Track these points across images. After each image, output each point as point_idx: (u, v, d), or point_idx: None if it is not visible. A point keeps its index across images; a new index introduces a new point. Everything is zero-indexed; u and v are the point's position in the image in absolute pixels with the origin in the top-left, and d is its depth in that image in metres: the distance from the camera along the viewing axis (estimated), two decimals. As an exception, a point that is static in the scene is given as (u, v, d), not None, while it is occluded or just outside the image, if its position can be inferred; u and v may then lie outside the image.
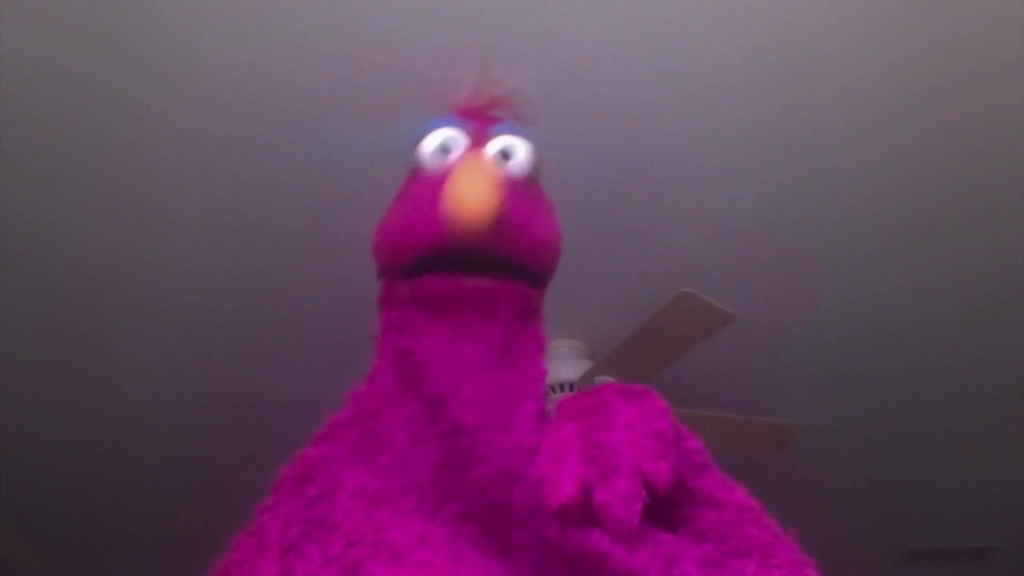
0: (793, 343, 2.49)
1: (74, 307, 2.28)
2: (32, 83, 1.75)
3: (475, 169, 0.83)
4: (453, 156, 0.87)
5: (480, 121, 0.92)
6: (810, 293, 2.34)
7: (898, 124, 1.91)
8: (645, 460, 0.80)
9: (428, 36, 1.69)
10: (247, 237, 2.14)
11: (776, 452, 2.35)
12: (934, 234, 2.16)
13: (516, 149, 0.89)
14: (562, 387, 2.23)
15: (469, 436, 0.80)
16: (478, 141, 0.89)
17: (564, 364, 2.30)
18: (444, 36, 1.68)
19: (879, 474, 3.01)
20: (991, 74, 1.80)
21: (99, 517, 3.04)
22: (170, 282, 2.24)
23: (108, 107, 1.81)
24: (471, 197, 0.79)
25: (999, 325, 2.42)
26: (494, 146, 0.88)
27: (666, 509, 0.84)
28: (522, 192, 0.87)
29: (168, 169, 1.96)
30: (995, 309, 2.36)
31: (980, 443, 2.86)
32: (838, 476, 3.01)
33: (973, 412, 2.73)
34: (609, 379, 2.12)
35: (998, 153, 1.96)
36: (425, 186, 0.86)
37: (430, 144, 0.88)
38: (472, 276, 0.83)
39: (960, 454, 2.91)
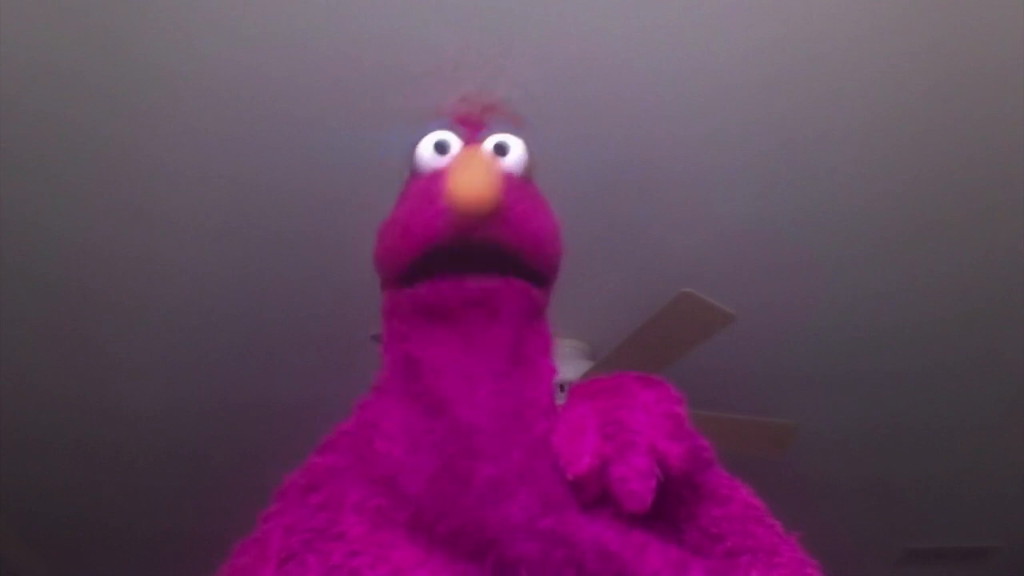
0: (793, 343, 2.49)
1: (74, 308, 2.28)
2: (32, 83, 1.75)
3: (474, 159, 0.84)
4: (450, 154, 0.88)
5: (473, 127, 0.93)
6: (810, 293, 2.34)
7: (898, 124, 1.91)
8: (661, 440, 0.80)
9: (428, 36, 1.69)
10: (247, 238, 2.13)
11: (776, 452, 2.35)
12: (934, 234, 2.16)
13: (511, 145, 0.90)
14: (562, 387, 2.22)
15: (478, 437, 0.80)
16: (472, 139, 0.91)
17: (564, 364, 2.29)
18: (444, 36, 1.68)
19: (879, 474, 3.01)
20: (991, 74, 1.80)
21: (99, 518, 3.04)
22: (170, 283, 2.24)
23: (108, 107, 1.81)
24: (472, 184, 0.79)
25: (999, 325, 2.42)
26: (489, 142, 0.90)
27: (673, 506, 0.84)
28: (520, 187, 0.87)
29: (168, 170, 1.96)
30: (995, 309, 2.36)
31: (980, 443, 2.86)
32: (838, 476, 3.01)
33: (973, 412, 2.73)
34: (609, 379, 2.12)
35: (998, 153, 1.96)
36: (424, 184, 0.87)
37: (426, 144, 0.90)
38: (474, 276, 0.83)
39: (960, 454, 2.91)
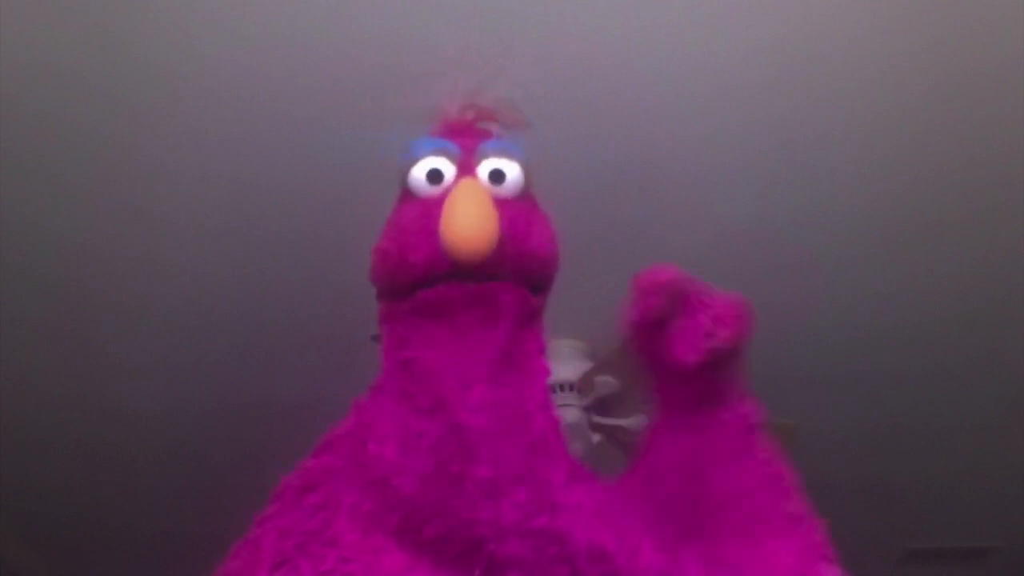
0: (793, 343, 2.48)
1: (73, 308, 2.28)
2: (32, 83, 1.75)
3: (470, 197, 0.84)
4: (445, 182, 0.88)
5: (468, 138, 0.93)
6: (810, 293, 2.33)
7: (898, 124, 1.91)
8: (724, 317, 0.94)
9: (428, 36, 1.69)
10: (247, 238, 2.13)
11: (776, 452, 2.34)
12: (934, 234, 2.16)
13: (507, 171, 0.90)
14: (561, 387, 2.23)
15: (473, 438, 0.80)
16: (467, 164, 0.89)
17: (564, 364, 2.30)
18: (444, 36, 1.68)
19: (879, 474, 3.01)
20: (991, 74, 1.80)
21: (99, 518, 3.04)
22: (170, 283, 2.24)
23: (108, 108, 1.81)
24: (469, 227, 0.80)
25: (999, 325, 2.42)
26: (484, 169, 0.89)
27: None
28: (516, 210, 0.88)
29: (168, 170, 1.96)
30: (995, 309, 2.36)
31: (980, 443, 2.86)
32: (838, 476, 3.00)
33: (973, 412, 2.73)
34: (609, 379, 2.12)
35: (998, 153, 1.96)
36: (419, 212, 0.87)
37: (420, 171, 0.89)
38: (471, 284, 0.84)
39: (960, 454, 2.91)
